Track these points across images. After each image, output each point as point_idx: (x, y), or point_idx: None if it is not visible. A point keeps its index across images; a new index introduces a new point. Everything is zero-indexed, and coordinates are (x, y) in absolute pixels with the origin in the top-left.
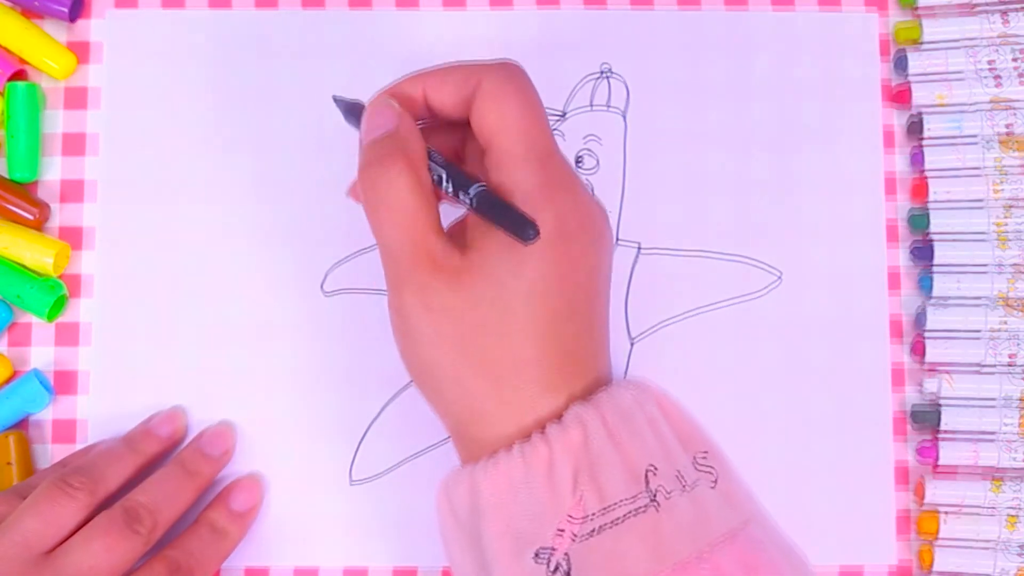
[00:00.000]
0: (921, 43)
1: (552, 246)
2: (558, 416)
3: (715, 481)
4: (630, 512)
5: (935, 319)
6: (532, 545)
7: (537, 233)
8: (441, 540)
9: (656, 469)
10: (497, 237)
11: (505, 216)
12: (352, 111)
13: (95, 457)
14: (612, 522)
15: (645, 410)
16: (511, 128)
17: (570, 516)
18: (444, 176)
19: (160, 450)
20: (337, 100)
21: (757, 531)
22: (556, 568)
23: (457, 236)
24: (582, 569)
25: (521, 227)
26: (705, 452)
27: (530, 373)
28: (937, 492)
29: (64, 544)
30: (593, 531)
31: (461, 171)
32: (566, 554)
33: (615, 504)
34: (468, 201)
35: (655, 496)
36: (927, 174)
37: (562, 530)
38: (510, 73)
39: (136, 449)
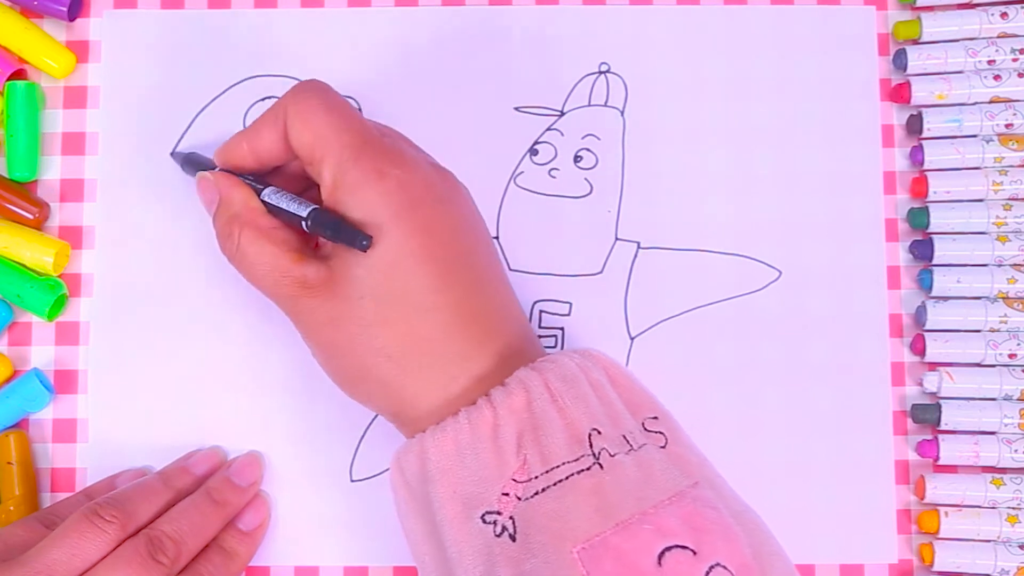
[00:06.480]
0: (920, 40)
1: (396, 222)
2: (487, 378)
3: (664, 445)
4: (573, 473)
5: (935, 316)
6: (479, 508)
7: (370, 240)
8: (395, 510)
9: (600, 432)
10: None
11: (337, 233)
12: (188, 161)
13: (131, 491)
14: (556, 483)
15: (590, 376)
16: (323, 135)
17: (514, 479)
18: (283, 208)
19: (194, 487)
20: (174, 154)
21: (706, 492)
22: (502, 531)
23: (324, 248)
24: (526, 530)
25: (353, 238)
26: (655, 417)
27: (432, 348)
28: (937, 489)
29: (87, 573)
30: (536, 492)
31: (294, 200)
32: (511, 517)
33: (558, 466)
34: (305, 227)
35: (598, 457)
36: (927, 171)
37: (507, 493)
38: (307, 88)
39: (171, 485)
